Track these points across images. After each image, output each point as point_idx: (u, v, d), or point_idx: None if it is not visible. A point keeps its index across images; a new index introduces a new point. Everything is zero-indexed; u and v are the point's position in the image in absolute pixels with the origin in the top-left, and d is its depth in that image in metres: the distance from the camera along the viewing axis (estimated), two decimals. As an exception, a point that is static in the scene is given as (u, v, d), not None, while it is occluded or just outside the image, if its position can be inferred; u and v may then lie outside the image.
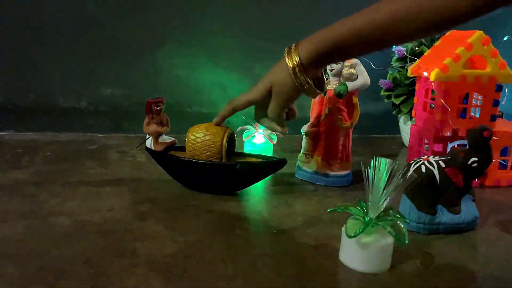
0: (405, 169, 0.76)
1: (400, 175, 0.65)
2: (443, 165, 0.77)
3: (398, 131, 1.43)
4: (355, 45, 0.63)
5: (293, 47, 0.67)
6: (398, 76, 1.28)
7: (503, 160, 1.02)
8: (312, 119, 1.02)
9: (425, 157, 0.80)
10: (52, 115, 1.33)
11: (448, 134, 1.00)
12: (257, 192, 0.95)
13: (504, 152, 1.03)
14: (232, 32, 1.38)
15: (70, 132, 1.33)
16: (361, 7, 0.64)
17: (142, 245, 0.68)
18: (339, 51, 0.64)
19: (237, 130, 1.18)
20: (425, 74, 1.00)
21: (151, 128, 0.92)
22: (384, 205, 0.65)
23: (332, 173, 0.99)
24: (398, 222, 0.63)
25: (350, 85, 0.97)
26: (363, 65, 0.98)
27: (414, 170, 0.78)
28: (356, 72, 0.96)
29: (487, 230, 0.80)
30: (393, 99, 1.30)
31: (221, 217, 0.80)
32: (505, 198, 0.96)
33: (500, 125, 1.03)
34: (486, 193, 0.99)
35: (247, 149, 1.17)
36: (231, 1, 1.36)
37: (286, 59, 0.67)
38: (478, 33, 0.95)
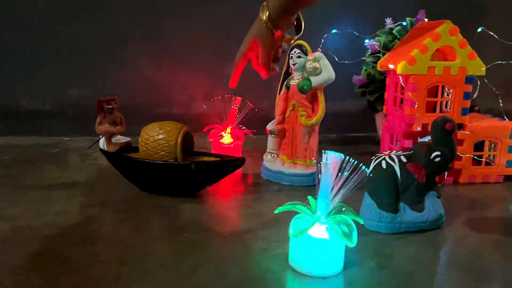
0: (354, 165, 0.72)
1: (350, 172, 0.60)
2: (404, 160, 0.73)
3: (375, 128, 1.39)
4: None
5: (265, 4, 0.77)
6: (372, 72, 1.24)
7: (478, 156, 0.98)
8: (277, 117, 0.98)
9: (387, 152, 0.76)
10: (15, 118, 1.29)
11: (418, 129, 0.95)
12: (218, 192, 0.90)
13: (479, 148, 0.99)
14: (201, 31, 1.34)
15: (35, 136, 1.29)
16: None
17: (78, 251, 0.64)
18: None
19: (204, 130, 1.15)
20: (391, 66, 0.95)
21: (103, 128, 0.87)
22: (334, 203, 0.61)
23: (297, 171, 0.95)
24: (348, 220, 0.59)
25: (314, 79, 0.92)
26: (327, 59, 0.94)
27: (374, 166, 0.74)
28: (319, 66, 0.92)
29: (454, 228, 0.75)
30: (367, 96, 1.26)
31: (173, 220, 0.76)
32: (478, 195, 0.92)
33: (474, 119, 0.98)
34: (460, 190, 0.95)
35: (214, 150, 1.13)
36: (199, 0, 1.32)
37: (261, 14, 0.76)
38: (446, 23, 0.91)
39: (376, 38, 1.23)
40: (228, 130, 1.12)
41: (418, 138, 0.95)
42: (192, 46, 1.35)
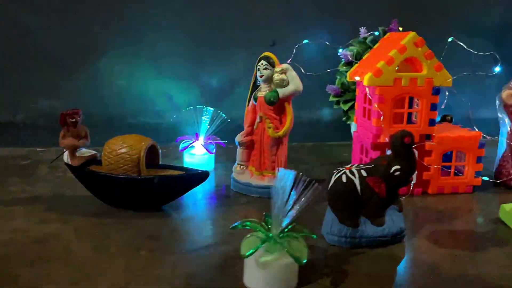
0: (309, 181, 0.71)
1: (303, 187, 0.60)
2: (365, 174, 0.73)
3: (351, 137, 1.39)
4: None
5: None
6: (346, 81, 1.24)
7: (446, 167, 0.98)
8: (245, 128, 0.98)
9: (348, 166, 0.76)
10: (-14, 130, 1.27)
11: (387, 140, 0.95)
12: (184, 206, 0.89)
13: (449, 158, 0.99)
14: (176, 39, 1.33)
15: (6, 147, 1.27)
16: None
17: (30, 271, 0.63)
18: None
19: (176, 141, 1.14)
20: (357, 78, 0.95)
21: (66, 141, 0.86)
22: (287, 220, 0.60)
23: (265, 183, 0.94)
24: (299, 238, 0.58)
25: (281, 91, 0.92)
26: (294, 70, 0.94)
27: (335, 180, 0.74)
28: (287, 78, 0.92)
29: (415, 242, 0.75)
30: (341, 105, 1.26)
31: (132, 237, 0.75)
32: (446, 206, 0.92)
33: (442, 130, 0.99)
34: (428, 201, 0.95)
35: (186, 161, 1.12)
36: (174, 8, 1.31)
37: None
38: (412, 34, 0.91)
39: (350, 47, 1.23)
40: (200, 141, 1.11)
41: (386, 149, 0.95)
42: (166, 56, 1.34)
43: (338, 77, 1.27)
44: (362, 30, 1.25)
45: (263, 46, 1.37)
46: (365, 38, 1.24)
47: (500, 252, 0.72)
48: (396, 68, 0.96)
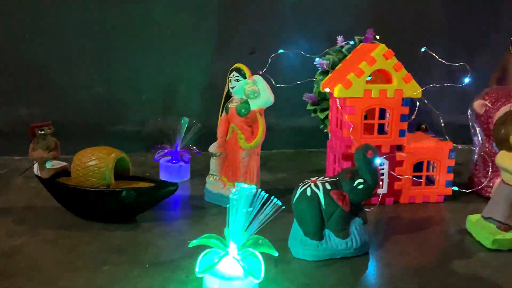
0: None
1: (261, 202, 0.61)
2: (329, 187, 0.73)
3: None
4: None
5: None
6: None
7: (417, 177, 0.99)
8: (218, 139, 0.98)
9: (314, 178, 0.76)
10: (-37, 138, 1.27)
11: (359, 150, 0.96)
12: (156, 217, 0.89)
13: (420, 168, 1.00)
14: (154, 47, 1.33)
15: (-17, 156, 1.27)
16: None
17: (-10, 287, 0.63)
18: None
19: (151, 150, 1.14)
20: (327, 90, 0.96)
21: (36, 154, 0.86)
22: (247, 236, 0.61)
23: (236, 195, 0.95)
24: (255, 254, 0.59)
25: (253, 103, 0.93)
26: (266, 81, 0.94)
27: (300, 194, 0.75)
28: (258, 89, 0.93)
29: (380, 254, 0.76)
30: (318, 114, 1.27)
31: (98, 250, 0.75)
32: (415, 216, 0.93)
33: (414, 140, 0.99)
34: (398, 211, 0.95)
35: (162, 171, 1.12)
36: (151, 16, 1.31)
37: None
38: (381, 46, 0.92)
39: (326, 56, 1.24)
40: (176, 150, 1.12)
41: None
42: (144, 63, 1.34)
43: (315, 85, 1.27)
44: (340, 38, 1.25)
45: (242, 54, 1.38)
46: (342, 47, 1.24)
47: (464, 264, 0.73)
48: (369, 78, 0.97)
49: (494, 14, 1.45)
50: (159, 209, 0.92)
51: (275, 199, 0.61)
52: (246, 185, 0.60)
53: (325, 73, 1.23)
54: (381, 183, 0.96)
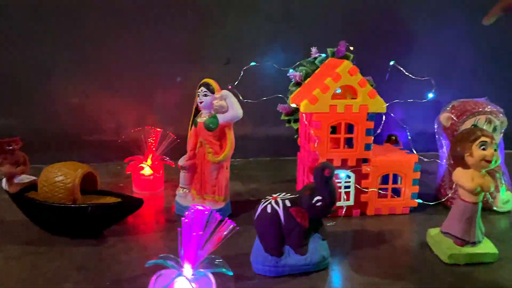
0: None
1: (216, 225, 0.62)
2: (288, 204, 0.75)
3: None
4: None
5: None
6: (296, 100, 1.26)
7: (383, 189, 1.01)
8: (188, 152, 1.00)
9: (276, 195, 0.78)
10: None
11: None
12: (124, 231, 0.90)
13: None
14: (129, 58, 1.34)
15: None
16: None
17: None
18: None
19: (125, 160, 1.15)
20: (293, 105, 0.98)
21: (4, 169, 0.87)
22: (202, 257, 0.62)
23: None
24: (207, 275, 0.60)
25: (221, 117, 0.94)
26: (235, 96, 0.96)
27: (261, 211, 0.76)
28: (226, 105, 0.94)
29: (339, 269, 0.78)
30: (292, 124, 1.28)
31: (62, 267, 0.76)
32: (379, 229, 0.94)
33: (381, 153, 1.01)
34: (365, 223, 0.97)
35: (135, 181, 1.13)
36: (127, 26, 1.32)
37: None
38: (346, 63, 0.93)
39: (300, 67, 1.26)
40: (149, 161, 1.13)
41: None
42: (120, 74, 1.35)
43: (288, 96, 1.29)
44: (313, 50, 1.27)
45: (217, 64, 1.39)
46: (315, 58, 1.26)
47: (419, 278, 0.75)
48: (339, 91, 0.99)
49: (469, 24, 1.48)
50: (127, 222, 0.93)
51: (229, 221, 0.62)
52: (200, 207, 0.62)
53: (298, 84, 1.25)
54: (345, 196, 0.98)
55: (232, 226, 0.62)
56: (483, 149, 0.75)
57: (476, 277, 0.76)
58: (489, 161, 0.75)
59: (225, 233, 0.63)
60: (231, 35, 1.37)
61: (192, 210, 0.61)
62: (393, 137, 1.20)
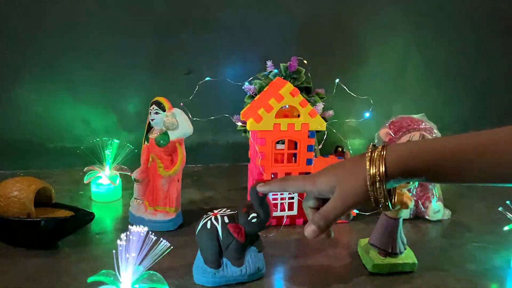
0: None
1: (152, 244, 0.68)
2: (226, 220, 0.82)
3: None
4: (462, 165, 0.54)
5: (379, 152, 0.57)
6: (252, 111, 1.33)
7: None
8: (141, 165, 1.05)
9: (216, 211, 0.85)
10: None
11: (272, 176, 1.05)
12: (78, 241, 0.95)
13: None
14: (93, 67, 1.38)
15: None
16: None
17: None
18: (435, 171, 0.55)
19: (84, 170, 1.20)
20: (239, 124, 1.04)
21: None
22: (139, 273, 0.69)
23: (156, 218, 1.03)
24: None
25: (172, 134, 1.00)
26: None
27: (201, 226, 0.83)
28: (177, 122, 1.00)
29: (272, 279, 0.85)
30: (248, 134, 1.35)
31: (12, 280, 0.80)
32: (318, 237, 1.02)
33: (322, 165, 1.08)
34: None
35: (93, 191, 1.18)
36: (90, 36, 1.35)
37: (367, 164, 0.56)
38: (288, 85, 1.00)
39: (254, 81, 1.32)
40: (106, 171, 1.18)
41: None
42: (83, 82, 1.38)
43: (245, 107, 1.35)
44: (269, 63, 1.33)
45: (179, 74, 1.44)
46: (270, 72, 1.32)
47: (343, 287, 0.83)
48: (286, 107, 1.06)
49: (418, 39, 1.56)
50: (83, 232, 0.99)
51: (164, 241, 0.69)
52: (136, 229, 0.68)
53: (253, 97, 1.31)
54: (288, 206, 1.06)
55: (167, 245, 0.69)
56: (402, 171, 0.84)
57: (394, 286, 0.84)
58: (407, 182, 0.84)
59: (161, 251, 0.69)
60: (191, 47, 1.42)
61: (129, 232, 0.67)
62: (340, 148, 1.28)
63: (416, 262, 0.89)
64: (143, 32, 1.39)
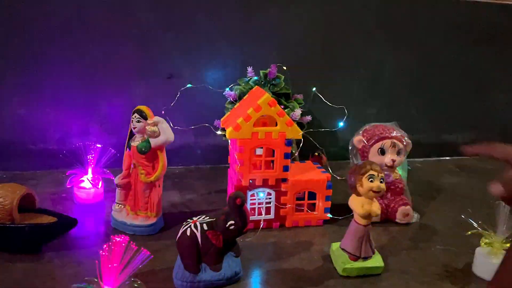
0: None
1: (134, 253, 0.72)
2: (206, 228, 0.86)
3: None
4: None
5: None
6: (232, 116, 1.37)
7: (299, 205, 1.14)
8: (123, 171, 1.08)
9: (196, 218, 0.89)
10: None
11: (251, 181, 1.09)
12: (61, 246, 0.98)
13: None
14: (75, 71, 1.39)
15: None
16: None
17: None
18: None
19: (67, 173, 1.22)
20: (219, 132, 1.09)
21: None
22: (121, 281, 0.73)
23: (137, 222, 1.06)
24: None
25: (153, 141, 1.03)
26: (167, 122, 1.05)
27: (181, 233, 0.87)
28: (158, 130, 1.03)
29: (249, 282, 0.90)
30: (228, 139, 1.39)
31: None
32: (294, 240, 1.08)
33: (299, 172, 1.14)
34: (283, 235, 1.10)
35: (76, 193, 1.21)
36: (72, 39, 1.37)
37: None
38: (266, 95, 1.05)
39: (236, 87, 1.36)
40: (89, 175, 1.21)
41: (247, 190, 1.09)
42: (65, 86, 1.40)
43: (225, 112, 1.39)
44: (249, 69, 1.37)
45: (160, 79, 1.47)
46: (250, 78, 1.36)
47: (314, 289, 0.89)
48: (264, 116, 1.10)
49: (393, 48, 1.62)
50: (66, 237, 1.02)
51: (144, 250, 0.73)
52: (118, 239, 0.72)
53: (233, 102, 1.35)
54: (265, 211, 1.11)
55: (147, 255, 0.73)
56: (371, 181, 0.89)
57: (362, 288, 0.91)
58: (376, 192, 0.89)
59: (142, 261, 0.73)
60: (173, 52, 1.45)
61: (111, 242, 0.71)
62: (317, 153, 1.33)
63: (383, 265, 0.95)
64: (126, 36, 1.41)
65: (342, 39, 1.56)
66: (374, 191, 0.89)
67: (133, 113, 1.04)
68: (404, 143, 1.19)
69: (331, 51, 1.57)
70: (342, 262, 0.94)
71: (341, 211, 1.15)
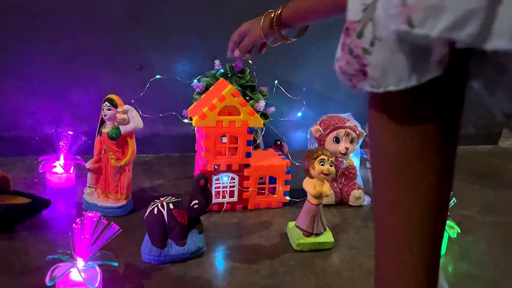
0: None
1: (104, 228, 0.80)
2: (172, 207, 0.95)
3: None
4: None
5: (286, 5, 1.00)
6: (200, 106, 1.45)
7: (261, 189, 1.23)
8: (94, 156, 1.15)
9: (162, 199, 0.97)
10: None
11: (216, 167, 1.18)
12: (35, 225, 1.04)
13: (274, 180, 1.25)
14: (46, 61, 1.43)
15: None
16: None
17: None
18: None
19: (39, 159, 1.27)
20: (186, 121, 1.16)
21: None
22: (92, 252, 0.80)
23: (108, 204, 1.13)
24: (94, 266, 0.78)
25: (123, 128, 1.10)
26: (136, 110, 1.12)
27: (149, 212, 0.95)
28: (127, 118, 1.10)
29: (210, 257, 0.99)
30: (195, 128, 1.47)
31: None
32: (254, 221, 1.17)
33: (261, 158, 1.23)
34: (246, 216, 1.19)
35: (48, 178, 1.26)
36: (43, 29, 1.41)
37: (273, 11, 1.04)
38: (229, 87, 1.13)
39: (203, 79, 1.43)
40: (61, 161, 1.26)
41: (212, 175, 1.18)
42: (36, 74, 1.44)
43: (193, 102, 1.47)
44: (217, 62, 1.45)
45: (131, 69, 1.53)
46: (217, 71, 1.44)
47: (269, 263, 0.98)
48: (229, 105, 1.18)
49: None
50: (39, 218, 1.08)
51: (114, 225, 0.81)
52: (90, 214, 0.79)
53: (201, 93, 1.43)
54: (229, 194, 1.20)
55: (116, 229, 0.81)
56: (322, 164, 0.99)
57: (313, 261, 1.01)
58: (326, 174, 1.00)
59: (112, 234, 0.81)
60: (143, 44, 1.51)
61: (83, 217, 0.78)
62: (279, 142, 1.43)
63: (333, 241, 1.06)
64: (96, 27, 1.46)
65: (306, 34, 1.66)
66: (324, 174, 1.00)
67: (104, 102, 1.10)
68: (357, 133, 1.30)
69: (294, 46, 1.66)
70: (296, 238, 1.04)
71: (300, 194, 1.25)
